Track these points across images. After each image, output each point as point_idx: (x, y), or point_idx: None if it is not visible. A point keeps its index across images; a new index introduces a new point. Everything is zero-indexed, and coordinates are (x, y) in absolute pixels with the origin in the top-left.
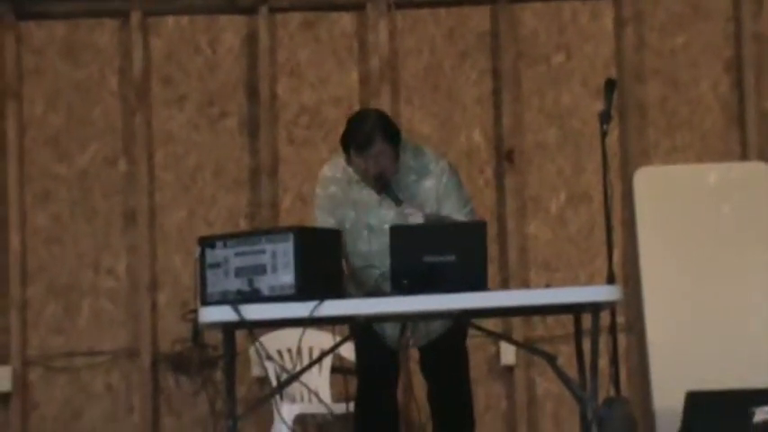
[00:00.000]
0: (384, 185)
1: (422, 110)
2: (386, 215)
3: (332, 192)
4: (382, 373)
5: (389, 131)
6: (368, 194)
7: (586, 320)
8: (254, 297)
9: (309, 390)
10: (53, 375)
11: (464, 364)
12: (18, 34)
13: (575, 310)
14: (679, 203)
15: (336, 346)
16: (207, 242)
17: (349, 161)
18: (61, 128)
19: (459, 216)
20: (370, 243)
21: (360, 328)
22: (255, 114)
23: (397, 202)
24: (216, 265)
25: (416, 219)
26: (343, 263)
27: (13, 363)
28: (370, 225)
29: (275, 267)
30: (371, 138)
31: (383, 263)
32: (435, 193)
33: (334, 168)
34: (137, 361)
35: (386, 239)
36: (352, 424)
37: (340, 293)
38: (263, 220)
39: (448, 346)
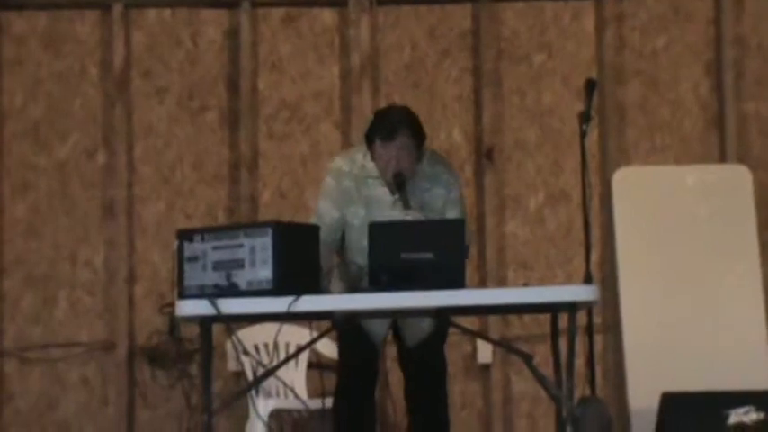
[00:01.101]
0: (401, 185)
1: None
2: (397, 216)
3: (345, 186)
4: (365, 369)
5: (416, 129)
6: (383, 193)
7: (563, 320)
8: (232, 291)
9: (285, 385)
10: (29, 367)
11: (444, 365)
12: None
13: (552, 309)
14: (657, 205)
15: (313, 341)
16: (185, 235)
17: (372, 155)
18: (41, 119)
19: None
20: None
21: (345, 323)
22: (236, 108)
23: (406, 205)
24: (194, 259)
25: None
26: (334, 257)
27: None
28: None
29: (253, 262)
30: (398, 129)
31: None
32: (442, 200)
33: (350, 163)
34: (113, 353)
35: None
36: (331, 418)
37: (317, 289)
38: (242, 215)
39: (433, 346)
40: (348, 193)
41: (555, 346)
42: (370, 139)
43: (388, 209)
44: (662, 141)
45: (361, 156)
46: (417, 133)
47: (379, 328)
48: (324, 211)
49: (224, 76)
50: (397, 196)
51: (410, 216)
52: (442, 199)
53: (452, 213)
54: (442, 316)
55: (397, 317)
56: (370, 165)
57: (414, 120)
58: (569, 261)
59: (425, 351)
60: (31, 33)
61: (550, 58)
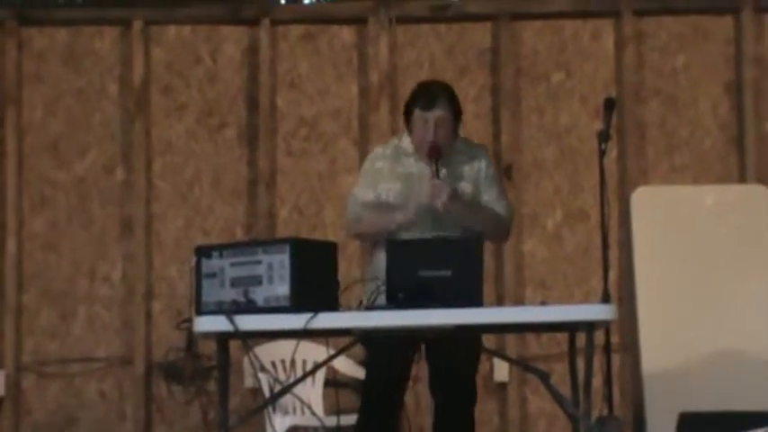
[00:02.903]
0: (435, 155)
1: None
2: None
3: (378, 167)
4: (390, 390)
5: (454, 102)
6: (420, 168)
7: (581, 339)
8: (249, 308)
9: (302, 402)
10: (47, 381)
11: (474, 395)
12: (20, 40)
13: (569, 328)
14: (676, 224)
15: (330, 358)
16: (203, 252)
17: (409, 128)
18: (60, 134)
19: (498, 206)
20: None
21: (368, 340)
22: (254, 125)
23: (437, 174)
24: (211, 275)
25: (466, 190)
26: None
27: (7, 368)
28: (420, 195)
29: (271, 278)
30: (436, 99)
31: (423, 232)
32: (477, 175)
33: (385, 147)
34: (130, 369)
35: (433, 212)
36: None
37: (335, 306)
38: (260, 231)
39: (465, 375)
40: (381, 172)
41: (572, 364)
42: (408, 111)
43: (425, 182)
44: (681, 161)
45: (397, 139)
46: (455, 107)
47: (403, 349)
48: (359, 194)
49: (243, 93)
50: (434, 168)
51: (438, 184)
52: (479, 173)
53: (492, 191)
54: (468, 335)
55: (422, 335)
56: (406, 143)
57: (453, 94)
58: (587, 280)
59: (457, 380)
60: (52, 49)
61: (569, 76)
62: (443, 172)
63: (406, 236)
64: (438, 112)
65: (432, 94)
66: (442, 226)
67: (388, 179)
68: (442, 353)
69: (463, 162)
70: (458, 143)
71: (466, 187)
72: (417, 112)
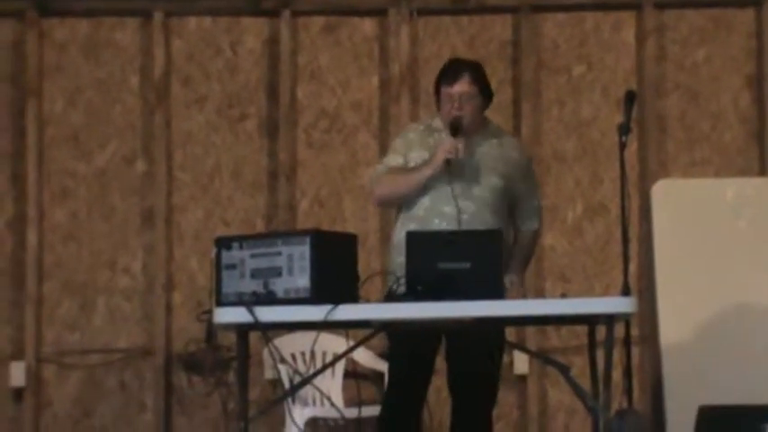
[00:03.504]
0: (456, 128)
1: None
2: (467, 162)
3: (409, 138)
4: (413, 385)
5: (480, 78)
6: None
7: (600, 332)
8: (269, 299)
9: (322, 393)
10: (67, 372)
11: (494, 397)
12: (40, 31)
13: (589, 320)
14: (696, 217)
15: (350, 350)
16: (223, 243)
17: (439, 106)
18: (81, 126)
19: (536, 221)
20: (446, 184)
21: (399, 333)
22: (275, 117)
23: (455, 132)
24: (232, 267)
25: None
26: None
27: (28, 358)
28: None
29: (291, 270)
30: (461, 73)
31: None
32: (514, 165)
33: (418, 123)
34: (150, 360)
35: (462, 182)
36: (375, 428)
37: (355, 298)
38: (280, 223)
39: (485, 369)
40: (411, 141)
41: (592, 357)
42: (437, 89)
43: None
44: (701, 154)
45: (429, 119)
46: (481, 83)
47: (426, 342)
48: (388, 160)
49: (263, 84)
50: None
51: (451, 150)
52: (513, 163)
53: (529, 182)
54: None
55: (443, 329)
56: (437, 122)
57: (479, 69)
58: (607, 273)
59: (475, 380)
60: (72, 40)
61: (590, 69)
62: (461, 145)
63: (425, 215)
64: (461, 87)
65: (456, 68)
66: (462, 181)
67: (419, 148)
68: (461, 352)
69: (495, 145)
70: (490, 127)
71: (511, 278)
72: (443, 89)
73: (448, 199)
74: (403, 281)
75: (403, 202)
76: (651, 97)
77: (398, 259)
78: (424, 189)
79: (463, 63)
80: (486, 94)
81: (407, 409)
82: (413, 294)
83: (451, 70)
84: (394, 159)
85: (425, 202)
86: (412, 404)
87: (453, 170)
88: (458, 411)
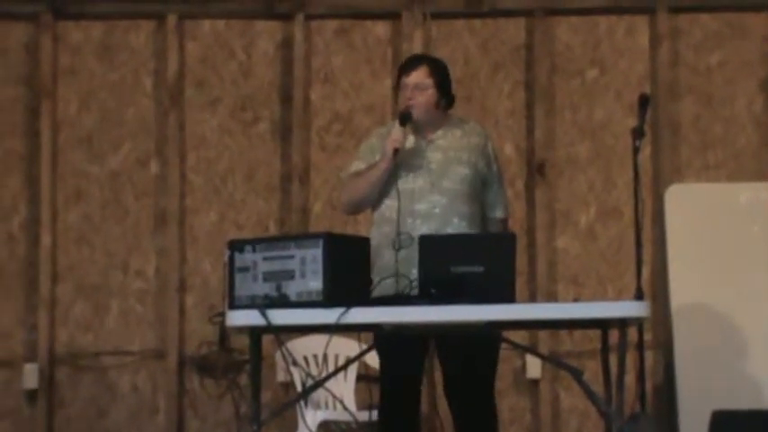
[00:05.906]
0: (404, 119)
1: None
2: (432, 156)
3: (372, 142)
4: (403, 387)
5: (438, 72)
6: (414, 141)
7: (613, 336)
8: (282, 302)
9: (334, 396)
10: (80, 374)
11: (495, 410)
12: (54, 34)
13: (602, 325)
14: (710, 222)
15: (362, 353)
16: (236, 246)
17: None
18: (94, 128)
19: (499, 211)
20: (413, 182)
21: (383, 344)
22: (288, 120)
23: (403, 122)
24: (244, 269)
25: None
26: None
27: (41, 360)
28: (412, 165)
29: (303, 273)
30: (419, 63)
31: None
32: (478, 151)
33: (382, 127)
34: (163, 362)
35: (431, 178)
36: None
37: (367, 301)
38: (293, 226)
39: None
40: (373, 146)
41: (605, 361)
42: (397, 84)
43: (423, 151)
44: (715, 158)
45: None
46: (438, 76)
47: (412, 347)
48: (352, 167)
49: (277, 87)
50: (423, 141)
51: (398, 139)
52: (477, 150)
53: (491, 166)
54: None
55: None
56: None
57: (438, 64)
58: (620, 277)
59: (470, 387)
60: (87, 43)
61: (604, 73)
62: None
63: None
64: (416, 77)
65: (414, 60)
66: (420, 175)
67: (380, 151)
68: (454, 354)
69: (459, 137)
70: (451, 120)
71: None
72: (401, 81)
73: (421, 195)
74: (415, 284)
75: (373, 207)
76: (665, 101)
77: (378, 263)
78: (392, 191)
79: (423, 56)
80: (443, 89)
81: (406, 412)
82: (425, 298)
83: (410, 61)
84: (356, 166)
85: (394, 203)
86: (406, 410)
87: (400, 160)
88: (459, 417)
